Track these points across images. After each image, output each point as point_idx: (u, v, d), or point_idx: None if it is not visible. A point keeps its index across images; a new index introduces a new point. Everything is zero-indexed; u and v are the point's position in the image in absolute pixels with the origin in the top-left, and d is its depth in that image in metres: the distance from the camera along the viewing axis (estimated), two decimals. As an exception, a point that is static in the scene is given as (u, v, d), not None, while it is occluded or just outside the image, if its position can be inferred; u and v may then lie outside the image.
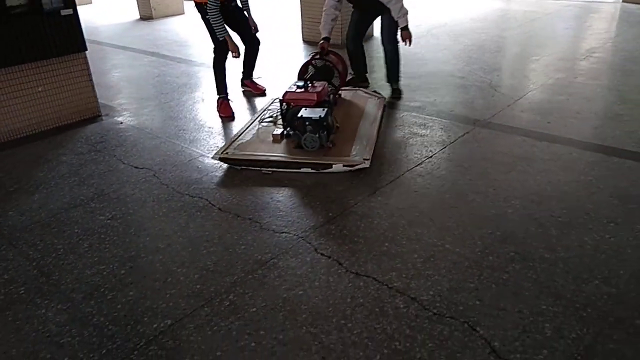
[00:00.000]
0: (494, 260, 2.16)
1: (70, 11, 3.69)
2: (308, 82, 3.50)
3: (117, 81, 5.26)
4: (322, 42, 4.04)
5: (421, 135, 3.48)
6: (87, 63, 3.98)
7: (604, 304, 1.90)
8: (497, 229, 2.38)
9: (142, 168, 3.19)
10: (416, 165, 3.04)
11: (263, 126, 3.63)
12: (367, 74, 4.61)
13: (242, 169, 3.11)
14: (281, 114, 3.46)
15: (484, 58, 5.38)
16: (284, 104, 3.41)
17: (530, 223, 2.42)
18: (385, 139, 3.45)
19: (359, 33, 4.28)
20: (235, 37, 4.08)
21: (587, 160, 3.03)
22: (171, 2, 9.51)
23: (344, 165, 3.00)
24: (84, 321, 1.94)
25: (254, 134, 3.52)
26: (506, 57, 5.44)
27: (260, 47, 4.39)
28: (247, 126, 3.66)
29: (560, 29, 6.82)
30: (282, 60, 5.73)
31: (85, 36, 3.91)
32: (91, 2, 11.83)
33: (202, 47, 6.37)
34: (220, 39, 3.87)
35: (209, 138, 3.63)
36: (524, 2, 9.01)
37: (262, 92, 4.58)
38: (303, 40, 6.72)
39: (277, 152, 3.22)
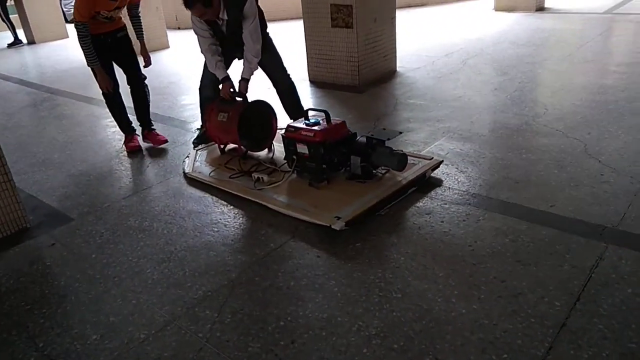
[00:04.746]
0: None
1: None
2: (309, 119, 2.99)
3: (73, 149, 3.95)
4: (225, 84, 3.40)
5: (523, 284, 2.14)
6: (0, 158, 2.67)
7: None
8: None
9: (59, 367, 1.86)
10: None
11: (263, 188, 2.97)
12: None
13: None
14: (316, 156, 2.85)
15: (555, 103, 4.06)
16: (322, 144, 2.82)
17: None
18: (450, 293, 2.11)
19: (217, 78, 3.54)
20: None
21: None
22: (53, 25, 8.17)
23: (432, 170, 2.97)
24: None
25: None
26: (585, 101, 4.09)
27: (144, 89, 3.82)
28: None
29: (632, 47, 5.51)
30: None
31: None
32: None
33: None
34: (89, 66, 3.50)
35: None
36: (562, 18, 7.74)
37: (163, 143, 3.90)
38: (310, 80, 5.43)
39: (363, 193, 2.74)
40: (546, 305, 1.91)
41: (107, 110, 3.89)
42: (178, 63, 7.35)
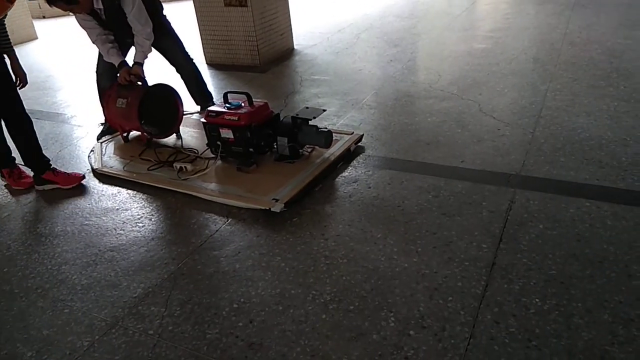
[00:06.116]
0: None
1: None
2: (230, 103, 2.88)
3: None
4: (123, 70, 3.19)
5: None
6: None
7: None
8: None
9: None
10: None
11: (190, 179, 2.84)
12: None
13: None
14: (243, 140, 2.80)
15: (446, 69, 4.37)
16: (248, 128, 2.77)
17: None
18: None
19: (112, 66, 3.31)
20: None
21: None
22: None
23: (354, 144, 3.04)
24: None
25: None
26: (471, 65, 4.44)
27: (30, 120, 2.86)
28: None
29: (500, 14, 6.07)
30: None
31: None
32: None
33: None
34: None
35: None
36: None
37: (79, 182, 2.97)
38: (207, 63, 5.27)
39: (295, 173, 2.74)
40: (475, 249, 2.11)
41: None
42: (51, 55, 6.73)
